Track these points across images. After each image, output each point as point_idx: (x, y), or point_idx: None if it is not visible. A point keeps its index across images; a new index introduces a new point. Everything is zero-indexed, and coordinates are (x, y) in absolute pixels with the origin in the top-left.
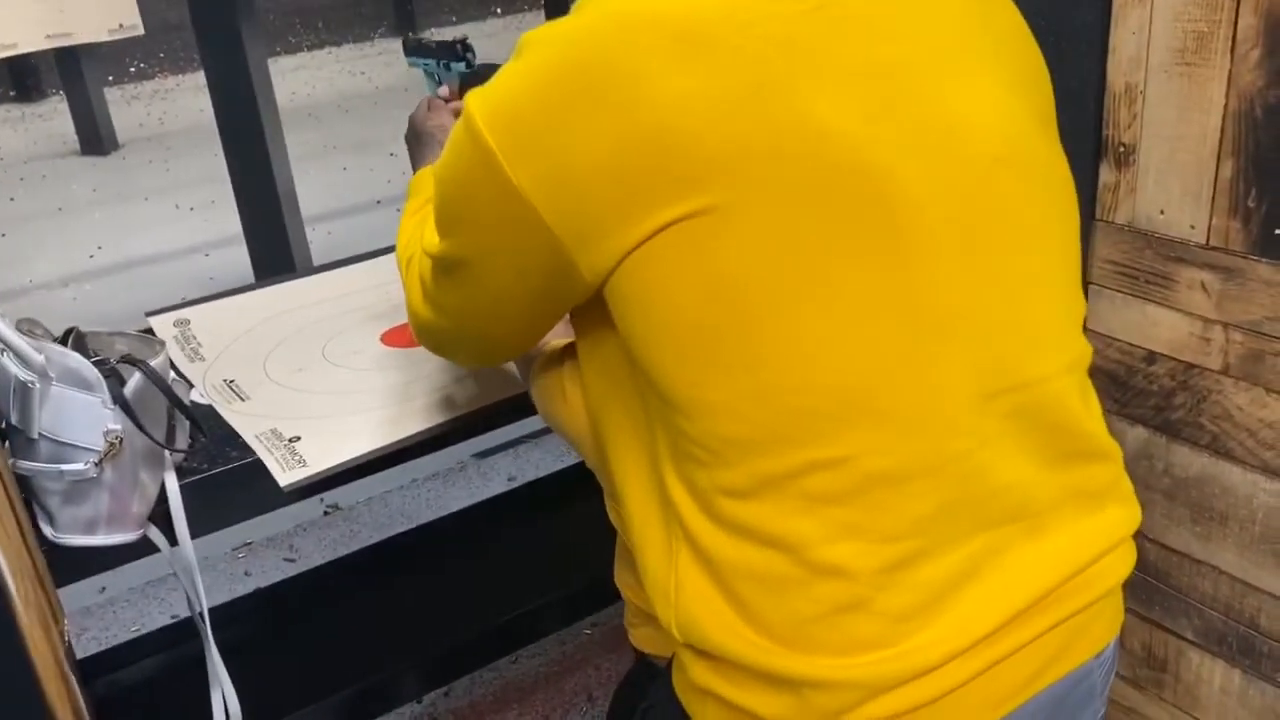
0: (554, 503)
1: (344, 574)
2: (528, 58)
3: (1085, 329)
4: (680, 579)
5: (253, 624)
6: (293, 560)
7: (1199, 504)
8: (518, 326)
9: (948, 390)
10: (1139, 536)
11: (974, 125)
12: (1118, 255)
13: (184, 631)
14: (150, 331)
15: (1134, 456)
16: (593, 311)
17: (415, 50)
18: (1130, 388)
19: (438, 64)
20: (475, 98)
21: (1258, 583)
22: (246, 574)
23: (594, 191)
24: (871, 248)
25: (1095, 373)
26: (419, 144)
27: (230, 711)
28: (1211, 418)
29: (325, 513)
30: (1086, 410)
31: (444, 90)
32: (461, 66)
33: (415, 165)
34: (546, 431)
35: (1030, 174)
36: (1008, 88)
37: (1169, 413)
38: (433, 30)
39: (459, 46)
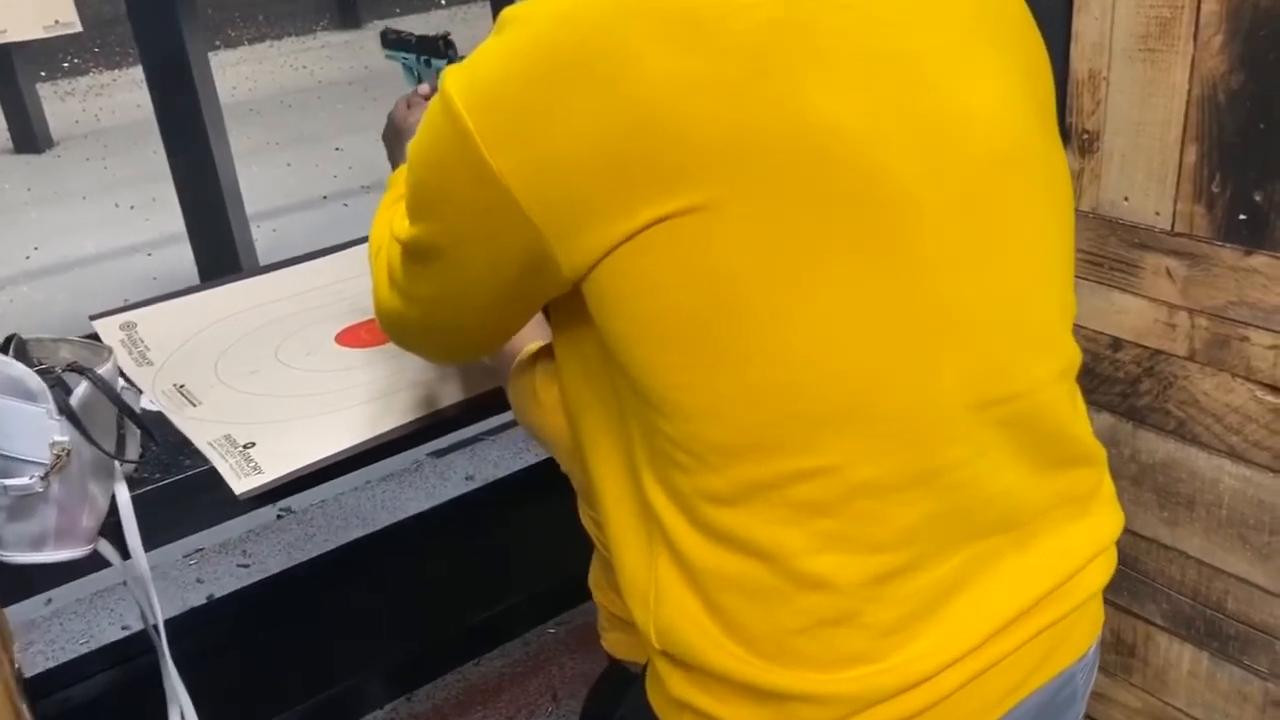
0: (514, 502)
1: (302, 581)
2: (511, 34)
3: None
4: (660, 586)
5: (209, 635)
6: (246, 566)
7: (1166, 489)
8: (487, 321)
9: (941, 397)
10: None
11: (979, 122)
12: (1083, 243)
13: (137, 645)
14: (95, 336)
15: (1101, 443)
16: (572, 308)
17: (394, 44)
18: (1097, 375)
19: (418, 59)
20: (453, 75)
21: (1224, 566)
22: (199, 581)
23: (578, 181)
24: (869, 248)
25: None
26: (398, 141)
27: None
28: (1178, 403)
29: (279, 516)
30: (1075, 414)
31: (424, 88)
32: (443, 63)
33: (394, 163)
34: (505, 429)
35: (1033, 175)
36: (1014, 81)
37: (1135, 399)
38: (396, 17)
39: (441, 42)
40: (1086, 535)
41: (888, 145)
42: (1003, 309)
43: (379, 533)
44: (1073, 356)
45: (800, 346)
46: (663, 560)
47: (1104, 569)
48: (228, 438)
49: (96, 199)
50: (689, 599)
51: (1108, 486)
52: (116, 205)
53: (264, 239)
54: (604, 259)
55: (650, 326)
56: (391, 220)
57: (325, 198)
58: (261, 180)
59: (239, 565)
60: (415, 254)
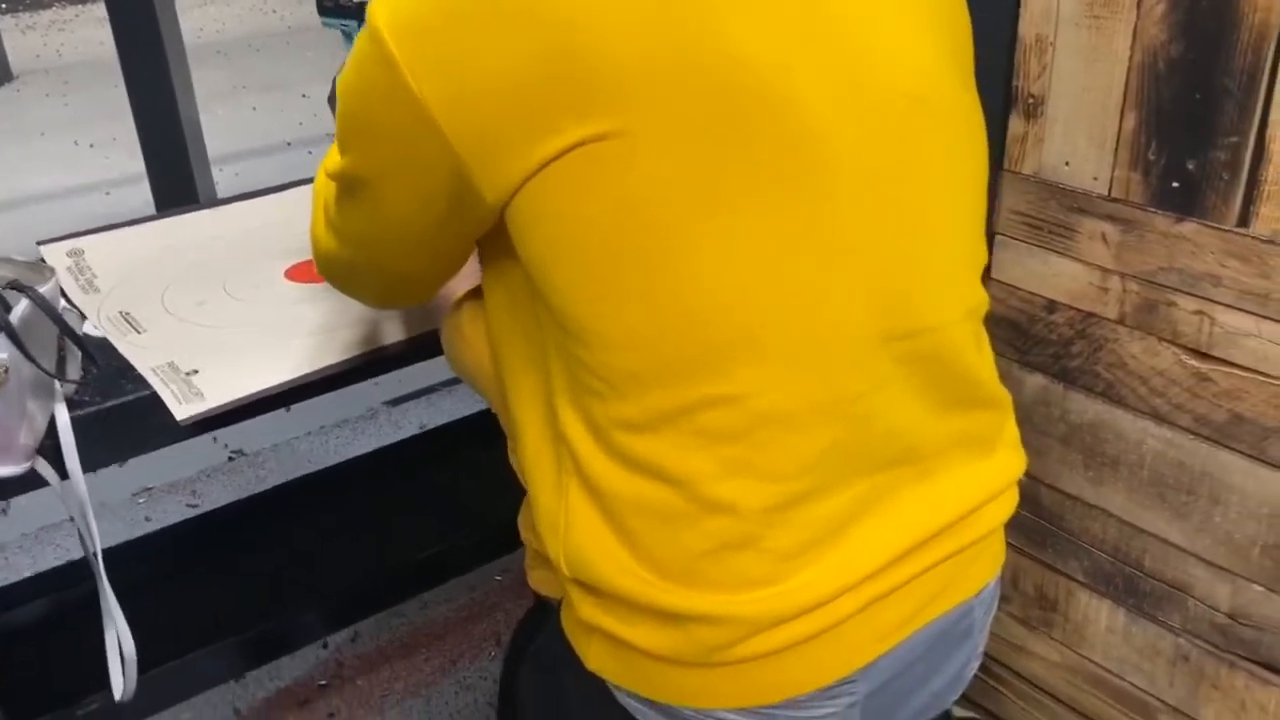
0: (465, 446)
1: (246, 515)
2: None
3: (990, 278)
4: (570, 513)
5: (151, 565)
6: (196, 506)
7: (1092, 449)
8: (419, 261)
9: (846, 331)
10: (1035, 482)
11: (893, 62)
12: (1023, 206)
13: (78, 573)
14: (42, 261)
15: (1032, 403)
16: (500, 243)
17: (332, 11)
18: (1031, 336)
19: (358, 25)
20: (380, 5)
21: (1144, 525)
22: (147, 519)
23: (498, 107)
24: (778, 180)
25: (998, 322)
26: None
27: (124, 652)
28: (1107, 365)
29: (230, 458)
30: (980, 358)
31: None
32: None
33: None
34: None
35: (945, 118)
36: (930, 32)
37: (1067, 360)
38: None
39: None
40: (987, 474)
41: (798, 78)
42: (910, 245)
43: (327, 470)
44: (979, 300)
45: (708, 275)
46: (574, 488)
47: (1005, 506)
48: (171, 364)
49: (55, 135)
50: (598, 525)
51: (1011, 431)
52: (76, 143)
53: (225, 182)
54: (524, 185)
55: (568, 254)
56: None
57: (289, 144)
58: (226, 124)
59: (188, 505)
60: (347, 187)
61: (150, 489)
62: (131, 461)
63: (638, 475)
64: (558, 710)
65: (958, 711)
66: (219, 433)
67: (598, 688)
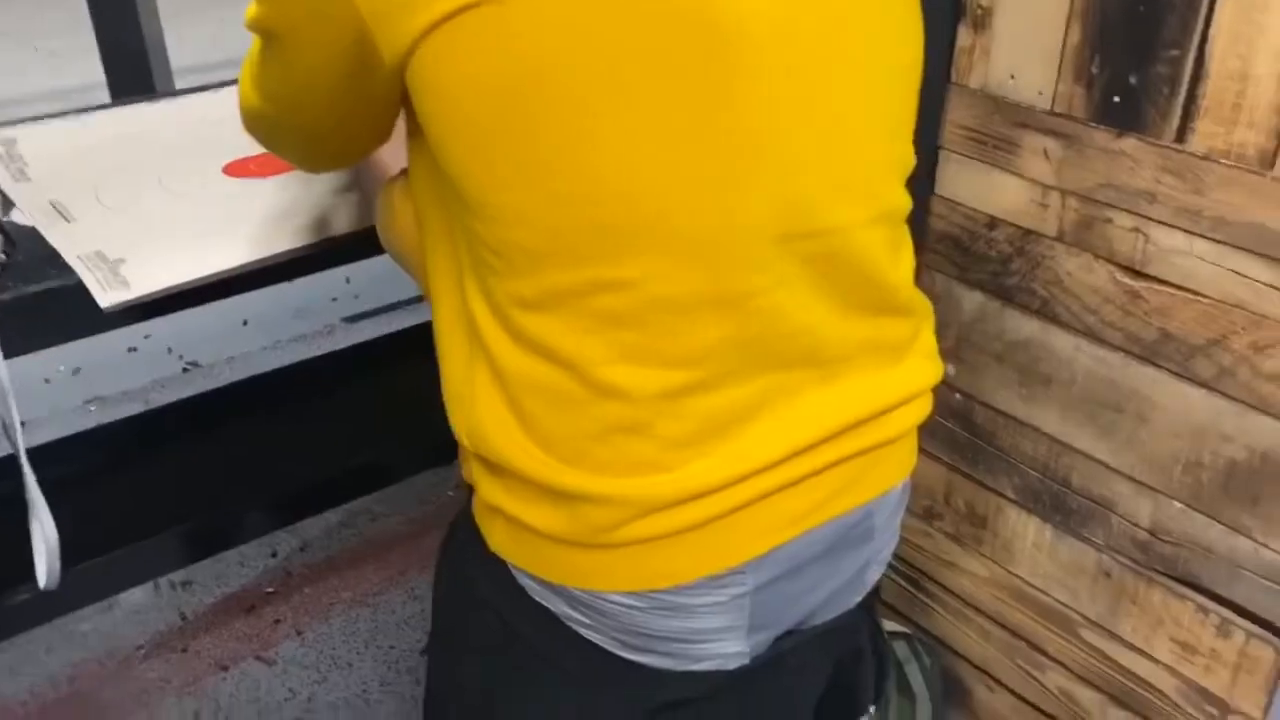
0: (423, 354)
1: (192, 414)
2: None
3: (933, 194)
4: (475, 390)
5: (92, 460)
6: None
7: (1026, 367)
8: (332, 118)
9: (744, 223)
10: (970, 399)
11: None
12: (969, 120)
13: (7, 468)
14: None
15: (970, 321)
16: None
17: None
18: (972, 253)
19: None
20: None
21: (1073, 442)
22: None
23: None
24: (678, 60)
25: (940, 238)
26: None
27: (48, 539)
28: (1043, 283)
29: (184, 370)
30: (893, 263)
31: None
32: None
33: None
34: (420, 298)
35: (874, 19)
36: None
37: (1005, 278)
38: None
39: None
40: (897, 380)
41: None
42: (818, 144)
43: (277, 372)
44: (896, 203)
45: (602, 160)
46: (479, 366)
47: (915, 412)
48: (98, 253)
49: (12, 41)
50: (498, 403)
51: (926, 340)
52: (36, 49)
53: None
54: (416, 48)
55: (462, 124)
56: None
57: None
58: (192, 36)
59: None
60: (263, 39)
61: (102, 398)
62: (84, 370)
63: (532, 355)
64: (468, 595)
65: (888, 626)
66: (173, 344)
67: (501, 571)
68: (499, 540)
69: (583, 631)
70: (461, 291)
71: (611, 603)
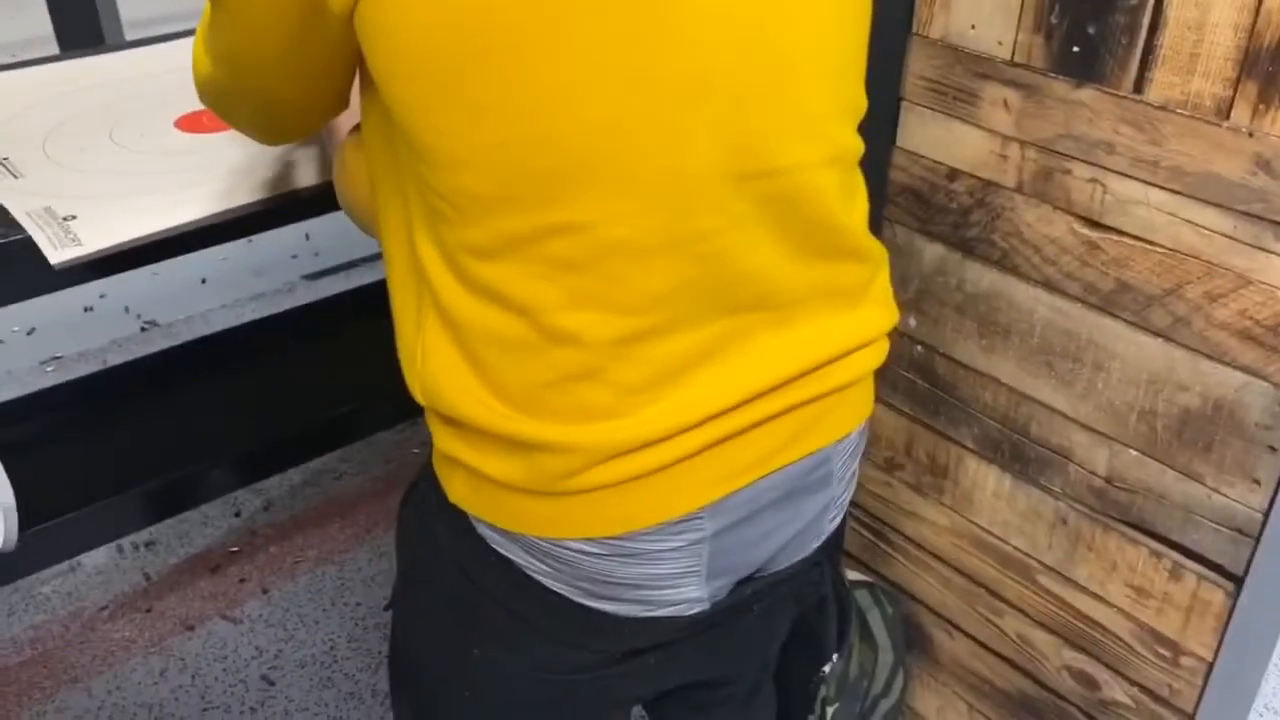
0: (385, 311)
1: (151, 373)
2: None
3: (895, 146)
4: (426, 343)
5: (50, 419)
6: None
7: (986, 318)
8: (286, 81)
9: (695, 163)
10: (930, 350)
11: None
12: (930, 71)
13: None
14: None
15: (931, 273)
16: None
17: None
18: (933, 205)
19: None
20: None
21: (1031, 392)
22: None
23: None
24: (630, 10)
25: (902, 191)
26: None
27: (4, 502)
28: (1003, 234)
29: (142, 329)
30: (847, 207)
31: None
32: None
33: None
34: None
35: None
36: None
37: (965, 230)
38: None
39: None
40: (850, 325)
41: None
42: (766, 80)
43: (237, 329)
44: (847, 146)
45: (547, 100)
46: (430, 317)
47: (871, 357)
48: (48, 209)
49: None
50: (451, 353)
51: (881, 286)
52: None
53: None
54: None
55: (409, 66)
56: None
57: None
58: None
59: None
60: (211, 2)
61: (59, 357)
62: (40, 330)
63: (485, 303)
64: (430, 547)
65: (851, 575)
66: (131, 303)
67: (461, 521)
68: (458, 491)
69: (544, 580)
70: (411, 244)
71: (571, 550)
